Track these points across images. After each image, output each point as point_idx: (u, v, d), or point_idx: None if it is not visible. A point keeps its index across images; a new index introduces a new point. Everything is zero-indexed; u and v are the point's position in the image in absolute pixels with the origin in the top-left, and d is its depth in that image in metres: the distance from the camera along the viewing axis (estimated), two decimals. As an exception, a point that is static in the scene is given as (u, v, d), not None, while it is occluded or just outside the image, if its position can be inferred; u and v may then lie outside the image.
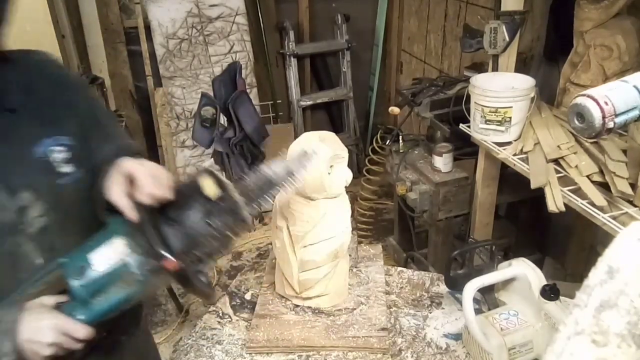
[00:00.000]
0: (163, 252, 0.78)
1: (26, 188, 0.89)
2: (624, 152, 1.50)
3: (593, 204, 1.39)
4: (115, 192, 0.85)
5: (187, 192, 0.86)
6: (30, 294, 0.85)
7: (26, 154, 0.91)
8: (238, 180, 0.93)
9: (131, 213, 0.82)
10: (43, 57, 1.00)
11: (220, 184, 0.85)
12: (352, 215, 1.34)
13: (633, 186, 1.38)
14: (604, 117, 1.09)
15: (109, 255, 0.82)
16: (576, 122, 1.16)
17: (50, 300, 0.84)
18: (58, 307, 0.83)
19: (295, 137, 1.72)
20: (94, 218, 0.94)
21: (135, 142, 1.18)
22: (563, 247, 2.36)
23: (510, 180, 2.07)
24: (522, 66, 2.19)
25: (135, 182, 0.85)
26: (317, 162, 1.05)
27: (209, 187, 0.85)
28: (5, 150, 0.89)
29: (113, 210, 0.85)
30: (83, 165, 0.97)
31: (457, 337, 1.19)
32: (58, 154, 0.93)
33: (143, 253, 0.81)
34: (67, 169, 0.94)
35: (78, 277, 0.81)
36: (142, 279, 0.81)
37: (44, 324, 0.81)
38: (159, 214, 0.83)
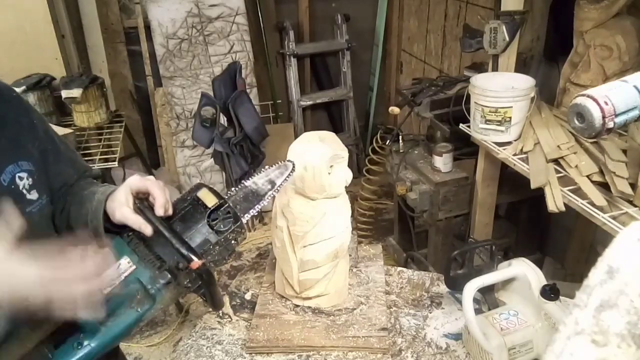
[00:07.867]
0: (188, 252, 0.79)
1: None
2: (624, 152, 1.50)
3: (593, 204, 1.39)
4: (124, 210, 0.83)
5: (187, 205, 0.87)
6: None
7: None
8: (227, 193, 0.96)
9: (145, 227, 0.81)
10: None
11: (216, 194, 0.87)
12: (352, 215, 1.35)
13: (633, 186, 1.38)
14: (604, 117, 1.09)
15: (116, 276, 0.79)
16: (576, 122, 1.16)
17: (7, 234, 0.71)
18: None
19: (295, 137, 1.73)
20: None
21: (89, 165, 1.14)
22: (563, 247, 2.36)
23: (510, 180, 2.07)
24: (522, 66, 2.19)
25: (151, 195, 0.84)
26: (298, 169, 1.10)
27: (208, 198, 0.86)
28: None
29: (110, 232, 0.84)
30: (44, 191, 0.92)
31: (457, 337, 1.19)
32: (22, 180, 0.88)
33: (153, 267, 0.80)
34: (32, 196, 0.89)
35: None
36: (154, 293, 0.80)
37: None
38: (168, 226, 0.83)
